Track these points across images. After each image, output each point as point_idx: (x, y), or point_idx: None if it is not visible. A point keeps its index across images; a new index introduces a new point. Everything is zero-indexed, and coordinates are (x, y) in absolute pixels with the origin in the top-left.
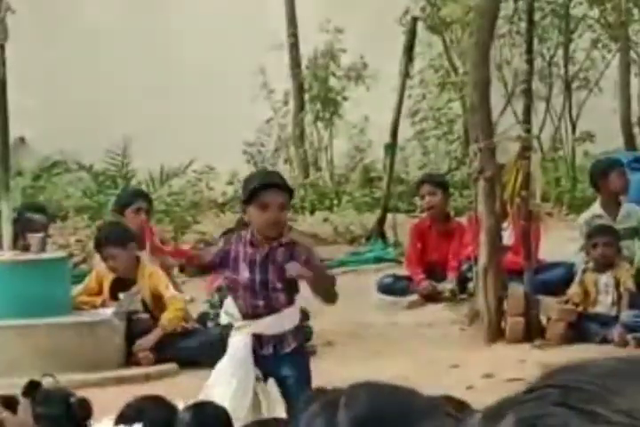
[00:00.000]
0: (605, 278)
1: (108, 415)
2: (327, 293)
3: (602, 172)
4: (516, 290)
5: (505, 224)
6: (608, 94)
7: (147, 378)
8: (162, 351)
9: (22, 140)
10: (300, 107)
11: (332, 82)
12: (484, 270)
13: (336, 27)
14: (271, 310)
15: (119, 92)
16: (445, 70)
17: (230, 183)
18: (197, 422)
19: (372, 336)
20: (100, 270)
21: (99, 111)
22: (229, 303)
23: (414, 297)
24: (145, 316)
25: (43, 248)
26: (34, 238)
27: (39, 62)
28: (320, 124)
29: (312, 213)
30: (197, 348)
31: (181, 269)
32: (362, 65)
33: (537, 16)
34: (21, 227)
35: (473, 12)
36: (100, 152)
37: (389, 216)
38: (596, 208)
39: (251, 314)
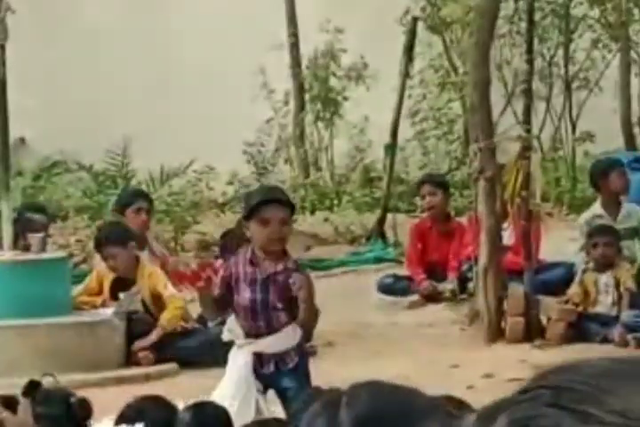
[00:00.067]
0: (605, 278)
1: (109, 415)
2: (310, 322)
3: (602, 172)
4: (516, 290)
5: (505, 224)
6: (608, 94)
7: (147, 378)
8: (162, 351)
9: (22, 140)
10: (301, 107)
11: (333, 82)
12: (484, 270)
13: (336, 27)
14: (272, 329)
15: (119, 92)
16: (445, 70)
17: (230, 183)
18: (197, 422)
19: (372, 336)
20: (101, 270)
21: (99, 111)
22: (232, 321)
23: (414, 297)
24: (145, 316)
25: (43, 248)
26: (34, 238)
27: (39, 62)
28: (320, 124)
29: (312, 212)
30: (197, 348)
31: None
32: (362, 65)
33: (537, 16)
34: (21, 227)
35: (473, 12)
36: (100, 152)
37: (389, 216)
38: (597, 208)
39: (252, 333)
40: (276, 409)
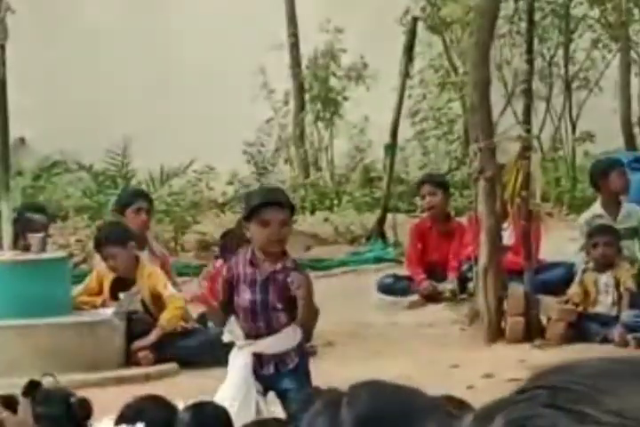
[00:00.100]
0: (605, 278)
1: (109, 415)
2: (307, 322)
3: (602, 172)
4: (516, 290)
5: (505, 224)
6: (608, 94)
7: (147, 378)
8: (162, 351)
9: (22, 140)
10: (301, 107)
11: (333, 82)
12: (484, 270)
13: (336, 27)
14: (272, 330)
15: (119, 92)
16: (445, 70)
17: (230, 183)
18: (197, 422)
19: (372, 336)
20: (101, 270)
21: (99, 111)
22: (232, 322)
23: (414, 297)
24: (145, 316)
25: (43, 248)
26: (34, 238)
27: (39, 62)
28: (320, 124)
29: (312, 212)
30: (197, 347)
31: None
32: (362, 65)
33: (537, 16)
34: (21, 227)
35: (473, 11)
36: (100, 152)
37: (389, 216)
38: (597, 208)
39: (252, 334)
40: (275, 410)
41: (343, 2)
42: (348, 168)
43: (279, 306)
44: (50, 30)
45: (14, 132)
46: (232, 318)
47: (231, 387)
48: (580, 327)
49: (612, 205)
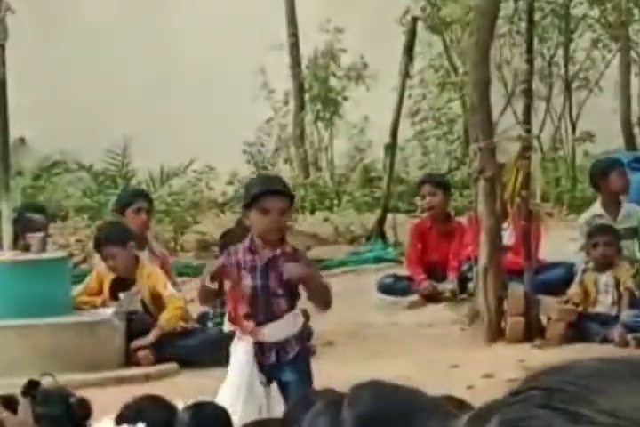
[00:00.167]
0: (605, 278)
1: (109, 415)
2: (323, 296)
3: (602, 172)
4: (516, 290)
5: (505, 224)
6: (608, 94)
7: (147, 378)
8: (162, 351)
9: (22, 140)
10: (301, 107)
11: (333, 82)
12: (484, 270)
13: (336, 27)
14: (273, 316)
15: (119, 92)
16: (445, 70)
17: (230, 183)
18: (197, 422)
19: (372, 336)
20: (101, 270)
21: (99, 111)
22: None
23: (414, 297)
24: (145, 316)
25: (43, 248)
26: (34, 238)
27: (39, 62)
28: (320, 124)
29: (312, 212)
30: (197, 347)
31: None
32: (362, 65)
33: (537, 16)
34: (21, 227)
35: (473, 11)
36: (100, 152)
37: (389, 216)
38: (597, 208)
39: (253, 321)
40: (274, 395)
41: (343, 2)
42: (347, 168)
43: (280, 291)
44: (50, 30)
45: (14, 132)
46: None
47: (235, 377)
48: (580, 327)
49: (612, 205)
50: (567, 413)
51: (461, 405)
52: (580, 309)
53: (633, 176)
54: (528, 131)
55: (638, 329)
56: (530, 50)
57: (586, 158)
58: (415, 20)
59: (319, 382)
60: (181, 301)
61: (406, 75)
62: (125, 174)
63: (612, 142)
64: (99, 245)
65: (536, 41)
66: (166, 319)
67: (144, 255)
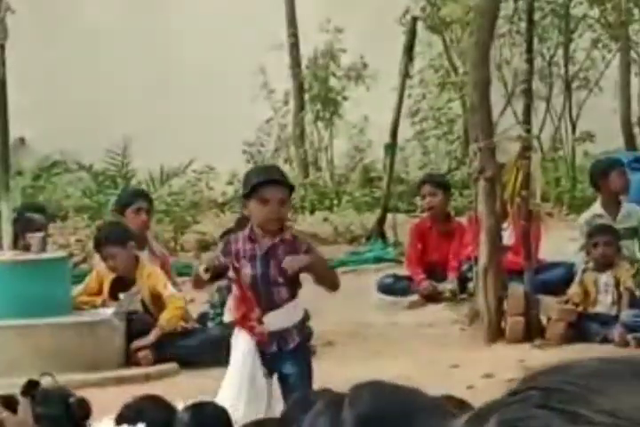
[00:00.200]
0: (605, 278)
1: (109, 415)
2: (329, 279)
3: (602, 171)
4: (516, 290)
5: (505, 224)
6: (608, 94)
7: (147, 378)
8: (162, 351)
9: (22, 140)
10: (300, 107)
11: (332, 82)
12: (484, 270)
13: (336, 27)
14: (273, 305)
15: (119, 92)
16: (445, 70)
17: (230, 183)
18: (197, 422)
19: (372, 336)
20: (101, 270)
21: (99, 111)
22: (232, 301)
23: (414, 297)
24: (145, 316)
25: (43, 248)
26: (34, 238)
27: (39, 62)
28: (320, 124)
29: (312, 212)
30: (197, 347)
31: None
32: (362, 65)
33: (537, 16)
34: (21, 227)
35: (473, 11)
36: (100, 152)
37: (389, 216)
38: (597, 208)
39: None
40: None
41: (343, 2)
42: (347, 168)
43: (280, 280)
44: (50, 30)
45: (14, 132)
46: (232, 297)
47: (238, 368)
48: (580, 327)
49: (612, 205)
50: (565, 413)
51: (461, 405)
52: (580, 309)
53: (633, 176)
54: (528, 131)
55: (638, 329)
56: (530, 50)
57: (586, 158)
58: (415, 19)
59: (319, 382)
60: (182, 301)
61: (406, 75)
62: (125, 174)
63: (612, 142)
64: (99, 245)
65: (536, 41)
66: (166, 319)
67: (144, 255)
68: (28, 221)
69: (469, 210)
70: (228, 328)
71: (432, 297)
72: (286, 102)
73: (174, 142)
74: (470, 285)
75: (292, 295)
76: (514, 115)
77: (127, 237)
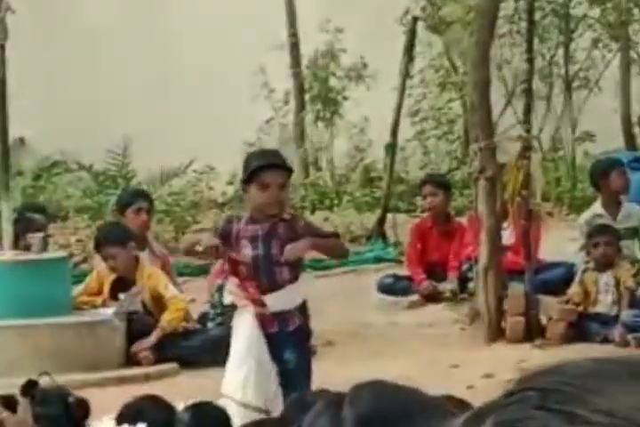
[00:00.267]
0: (606, 278)
1: (109, 415)
2: (335, 252)
3: (602, 171)
4: (517, 290)
5: (505, 224)
6: (608, 94)
7: (147, 378)
8: (162, 351)
9: (22, 140)
10: (301, 106)
11: (333, 82)
12: (484, 270)
13: (336, 27)
14: (275, 286)
15: (119, 92)
16: (445, 70)
17: (230, 183)
18: (197, 422)
19: (372, 336)
20: (101, 270)
21: (99, 111)
22: (232, 283)
23: (414, 297)
24: (145, 316)
25: (44, 248)
26: (34, 238)
27: (39, 62)
28: (320, 124)
29: (312, 212)
30: (198, 347)
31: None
32: (362, 65)
33: (537, 16)
34: (22, 227)
35: (473, 11)
36: (100, 152)
37: (390, 216)
38: (597, 208)
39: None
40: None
41: (343, 2)
42: (348, 168)
43: (282, 260)
44: (50, 30)
45: (14, 132)
46: (231, 279)
47: (242, 347)
48: (581, 327)
49: (613, 205)
50: (563, 413)
51: (461, 404)
52: (581, 308)
53: (633, 176)
54: (528, 131)
55: (638, 329)
56: (530, 49)
57: (586, 158)
58: (415, 19)
59: (319, 382)
60: (183, 303)
61: (406, 75)
62: (125, 174)
63: (611, 142)
64: (99, 246)
65: (536, 41)
66: (167, 320)
67: (144, 256)
68: (28, 222)
69: (469, 210)
70: (229, 328)
71: (432, 297)
72: (286, 102)
73: (174, 142)
74: (470, 285)
75: (295, 277)
76: (514, 115)
77: (127, 238)
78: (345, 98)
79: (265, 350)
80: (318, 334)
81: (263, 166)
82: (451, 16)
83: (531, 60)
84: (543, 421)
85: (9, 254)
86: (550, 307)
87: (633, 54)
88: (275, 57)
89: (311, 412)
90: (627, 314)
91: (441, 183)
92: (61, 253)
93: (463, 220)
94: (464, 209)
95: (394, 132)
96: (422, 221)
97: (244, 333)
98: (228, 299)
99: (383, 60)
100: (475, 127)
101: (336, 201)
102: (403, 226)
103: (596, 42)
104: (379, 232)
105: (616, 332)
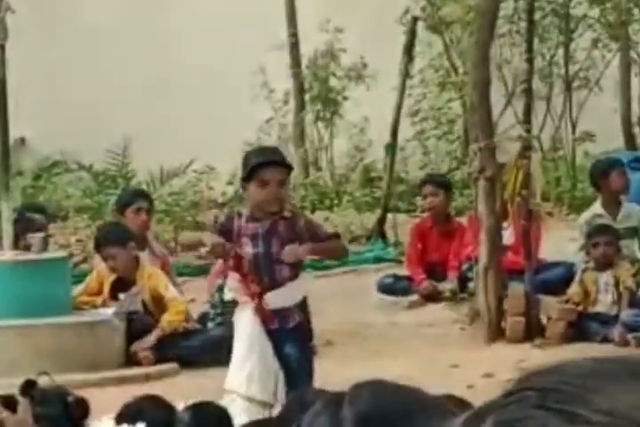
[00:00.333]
0: (605, 277)
1: (109, 415)
2: (334, 254)
3: (602, 171)
4: (517, 289)
5: (505, 224)
6: (608, 94)
7: (147, 378)
8: (163, 351)
9: (22, 140)
10: (301, 106)
11: (333, 82)
12: (484, 270)
13: (336, 27)
14: (275, 283)
15: (119, 92)
16: (445, 70)
17: (230, 183)
18: (197, 422)
19: (372, 336)
20: (101, 270)
21: (99, 111)
22: (233, 279)
23: (414, 297)
24: (145, 316)
25: (44, 248)
26: (34, 238)
27: (39, 62)
28: (320, 124)
29: (312, 212)
30: (198, 347)
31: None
32: (362, 65)
33: (537, 15)
34: (22, 227)
35: (473, 11)
36: (100, 152)
37: (390, 216)
38: (597, 208)
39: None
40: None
41: (343, 2)
42: (347, 168)
43: (282, 258)
44: (50, 30)
45: (14, 132)
46: (231, 275)
47: (244, 344)
48: (581, 327)
49: (613, 205)
50: (563, 413)
51: (462, 404)
52: (580, 308)
53: (633, 176)
54: (528, 131)
55: (638, 329)
56: (530, 49)
57: (586, 158)
58: (415, 19)
59: (319, 382)
60: (183, 304)
61: (406, 75)
62: (125, 174)
63: (611, 142)
64: (99, 246)
65: (536, 41)
66: (168, 321)
67: (144, 256)
68: (28, 222)
69: (469, 210)
70: (229, 328)
71: (432, 297)
72: (286, 102)
73: (174, 142)
74: (470, 284)
75: (295, 274)
76: (514, 115)
77: (127, 238)
78: (345, 98)
79: (267, 344)
80: (318, 333)
81: (262, 163)
82: (450, 16)
83: (530, 60)
84: (543, 420)
85: (9, 254)
86: (550, 307)
87: (633, 54)
88: (275, 57)
89: (310, 411)
90: (626, 314)
91: (441, 183)
92: (61, 253)
93: (463, 220)
94: (464, 209)
95: (394, 132)
96: (422, 221)
97: (246, 330)
98: (228, 295)
99: (383, 60)
100: (474, 127)
101: (336, 201)
102: (403, 226)
103: (595, 42)
104: (379, 232)
105: (616, 331)
